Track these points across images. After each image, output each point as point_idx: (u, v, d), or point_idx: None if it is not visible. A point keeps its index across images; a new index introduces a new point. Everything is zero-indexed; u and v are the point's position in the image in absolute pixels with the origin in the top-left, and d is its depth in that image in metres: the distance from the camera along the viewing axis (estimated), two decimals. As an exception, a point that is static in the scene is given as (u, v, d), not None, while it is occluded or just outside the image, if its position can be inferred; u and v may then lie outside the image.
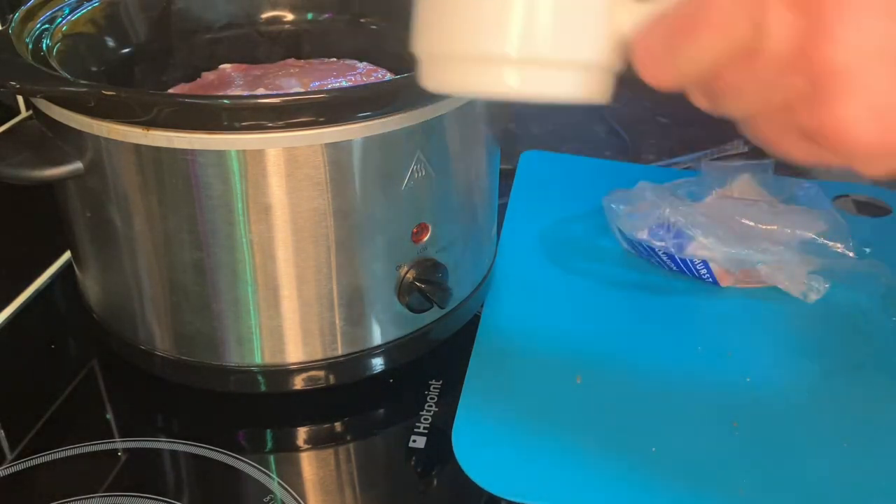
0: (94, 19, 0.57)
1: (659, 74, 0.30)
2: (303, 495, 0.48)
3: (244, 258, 0.47)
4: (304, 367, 0.51)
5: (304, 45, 0.65)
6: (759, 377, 0.56)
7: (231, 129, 0.44)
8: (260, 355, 0.50)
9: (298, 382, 0.52)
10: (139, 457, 0.51)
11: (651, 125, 0.92)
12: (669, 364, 0.57)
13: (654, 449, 0.50)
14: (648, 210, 0.65)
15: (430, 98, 0.47)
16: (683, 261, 0.64)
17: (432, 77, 0.33)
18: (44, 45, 0.51)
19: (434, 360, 0.56)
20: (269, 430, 0.54)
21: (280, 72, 0.60)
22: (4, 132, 0.62)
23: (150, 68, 0.58)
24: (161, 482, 0.49)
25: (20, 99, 0.66)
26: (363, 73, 0.60)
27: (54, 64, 0.50)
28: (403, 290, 0.51)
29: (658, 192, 0.66)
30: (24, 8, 0.53)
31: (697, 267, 0.63)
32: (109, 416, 0.54)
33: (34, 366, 0.58)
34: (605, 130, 0.91)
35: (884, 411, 0.53)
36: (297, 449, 0.53)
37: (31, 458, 0.50)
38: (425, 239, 0.51)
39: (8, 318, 0.62)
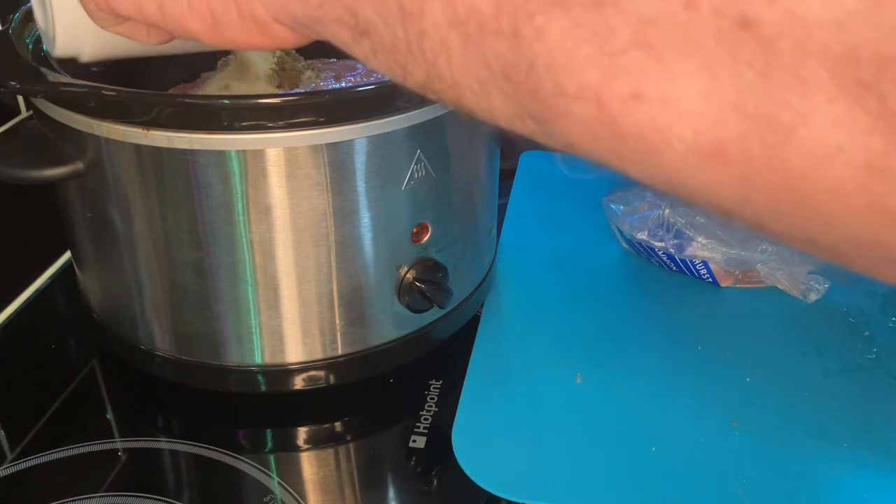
0: (94, 19, 0.57)
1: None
2: (303, 495, 0.48)
3: (244, 258, 0.47)
4: (304, 367, 0.51)
5: (305, 45, 0.65)
6: (759, 377, 0.56)
7: (231, 129, 0.44)
8: (260, 355, 0.50)
9: (298, 382, 0.52)
10: (139, 457, 0.51)
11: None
12: (669, 364, 0.57)
13: (654, 449, 0.50)
14: (648, 210, 0.65)
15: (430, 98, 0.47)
16: (683, 261, 0.64)
17: None
18: (44, 46, 0.51)
19: (434, 360, 0.56)
20: (269, 430, 0.54)
21: (280, 72, 0.60)
22: (4, 132, 0.62)
23: (150, 68, 0.58)
24: (161, 482, 0.49)
25: (20, 99, 0.65)
26: (363, 74, 0.60)
27: (54, 64, 0.50)
28: (403, 290, 0.51)
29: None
30: (24, 8, 0.53)
31: (697, 267, 0.63)
32: (109, 416, 0.54)
33: (34, 366, 0.58)
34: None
35: (884, 411, 0.53)
36: (297, 449, 0.53)
37: (31, 458, 0.50)
38: (425, 239, 0.51)
39: (8, 318, 0.62)
